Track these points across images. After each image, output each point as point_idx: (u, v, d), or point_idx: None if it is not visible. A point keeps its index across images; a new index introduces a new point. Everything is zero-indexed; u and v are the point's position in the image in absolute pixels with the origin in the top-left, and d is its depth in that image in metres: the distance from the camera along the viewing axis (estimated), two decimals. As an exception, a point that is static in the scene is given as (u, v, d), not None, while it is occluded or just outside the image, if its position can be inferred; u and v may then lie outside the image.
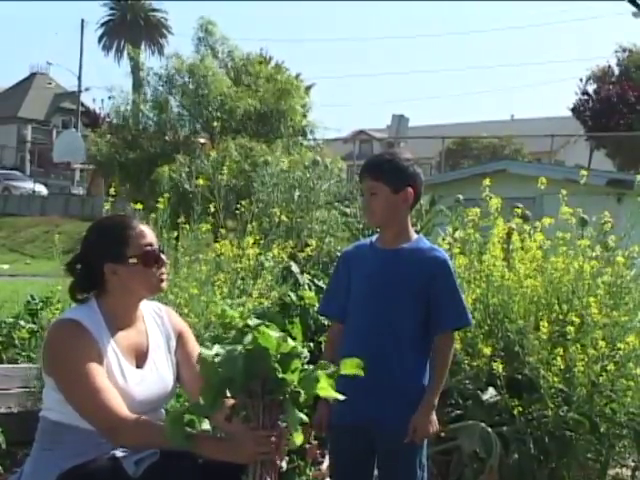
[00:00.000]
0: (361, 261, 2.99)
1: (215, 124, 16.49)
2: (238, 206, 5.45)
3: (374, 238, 3.05)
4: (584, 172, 4.90)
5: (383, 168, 2.94)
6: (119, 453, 2.56)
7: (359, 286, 2.95)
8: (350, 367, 2.42)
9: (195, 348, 2.74)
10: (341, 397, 2.41)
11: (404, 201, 2.92)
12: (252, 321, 2.40)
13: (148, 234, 2.73)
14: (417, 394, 2.88)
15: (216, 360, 2.35)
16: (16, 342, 5.71)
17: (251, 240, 4.73)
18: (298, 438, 2.41)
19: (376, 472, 3.03)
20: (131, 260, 2.66)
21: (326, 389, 2.38)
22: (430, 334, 2.93)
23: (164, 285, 2.76)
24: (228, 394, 2.40)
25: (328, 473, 4.19)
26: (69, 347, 2.57)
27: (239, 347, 2.34)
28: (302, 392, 2.34)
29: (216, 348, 2.37)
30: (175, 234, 4.72)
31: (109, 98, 19.93)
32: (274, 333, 2.36)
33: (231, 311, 2.48)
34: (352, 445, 2.93)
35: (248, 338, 2.34)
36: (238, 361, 2.32)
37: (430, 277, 2.89)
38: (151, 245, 2.70)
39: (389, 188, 2.90)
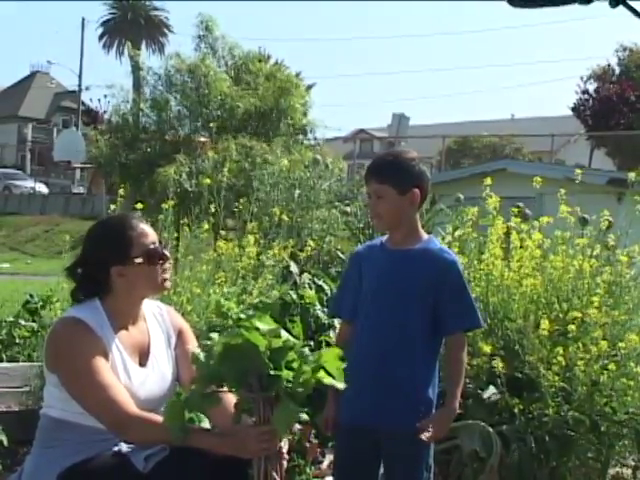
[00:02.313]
0: (371, 261, 2.97)
1: (214, 124, 16.47)
2: (238, 205, 5.46)
3: (384, 238, 3.02)
4: (578, 170, 4.91)
5: (388, 170, 2.89)
6: (124, 449, 2.57)
7: (368, 286, 2.93)
8: (330, 357, 2.40)
9: (194, 346, 2.75)
10: (341, 386, 2.40)
11: (411, 203, 2.87)
12: (245, 314, 2.40)
13: (150, 233, 2.75)
14: (424, 396, 2.85)
15: (203, 358, 2.36)
16: (17, 341, 5.72)
17: (252, 239, 4.73)
18: (284, 437, 2.42)
19: (382, 471, 3.01)
20: (137, 260, 2.67)
21: (326, 377, 2.37)
22: (439, 336, 2.90)
23: (168, 284, 2.78)
24: (226, 388, 2.42)
25: (329, 472, 4.19)
26: (75, 344, 2.58)
27: (223, 341, 2.34)
28: (297, 387, 2.34)
29: (214, 336, 2.38)
30: (176, 234, 4.73)
31: (105, 97, 19.96)
32: (265, 327, 2.35)
33: (227, 302, 2.48)
34: (355, 445, 2.91)
35: (236, 333, 2.33)
36: (219, 357, 2.32)
37: (437, 278, 2.85)
38: (154, 243, 2.72)
39: (395, 190, 2.85)
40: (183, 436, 2.41)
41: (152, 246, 2.71)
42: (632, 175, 4.62)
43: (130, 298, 2.72)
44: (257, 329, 2.33)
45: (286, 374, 2.33)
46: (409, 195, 2.86)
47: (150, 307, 2.84)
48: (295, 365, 2.35)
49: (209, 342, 2.38)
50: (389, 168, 2.90)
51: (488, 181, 4.46)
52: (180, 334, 2.84)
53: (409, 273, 2.88)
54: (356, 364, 2.83)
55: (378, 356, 2.85)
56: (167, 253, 2.76)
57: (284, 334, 2.37)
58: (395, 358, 2.84)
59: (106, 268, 2.68)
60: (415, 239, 2.92)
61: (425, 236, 2.96)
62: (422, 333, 2.85)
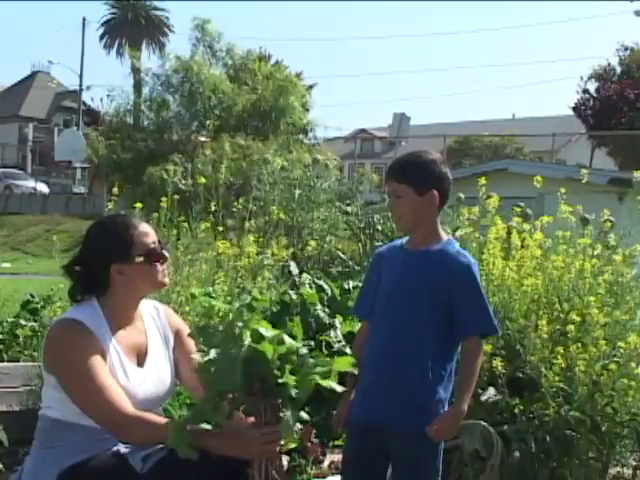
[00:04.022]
0: (391, 262, 2.95)
1: (213, 123, 16.47)
2: (236, 204, 5.47)
3: (406, 239, 3.00)
4: (585, 171, 4.89)
5: (408, 170, 2.87)
6: (123, 449, 2.57)
7: (385, 286, 2.92)
8: (342, 364, 2.41)
9: (193, 346, 2.75)
10: (339, 388, 2.39)
11: (430, 204, 2.85)
12: (238, 317, 2.39)
13: (150, 232, 2.78)
14: (433, 397, 2.82)
15: (213, 369, 2.34)
16: (19, 341, 5.71)
17: (252, 238, 4.73)
18: (291, 442, 2.41)
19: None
20: (137, 259, 2.69)
21: (324, 380, 2.37)
22: (455, 338, 2.87)
23: (166, 280, 2.80)
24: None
25: (329, 471, 4.20)
26: (72, 345, 2.59)
27: (237, 353, 2.32)
28: (300, 392, 2.34)
29: (213, 353, 2.36)
30: (174, 233, 4.73)
31: (107, 96, 19.99)
32: (269, 333, 2.34)
33: (217, 303, 2.48)
34: (364, 443, 2.90)
35: (244, 343, 2.32)
36: (237, 372, 2.31)
37: (451, 280, 2.82)
38: (154, 242, 2.74)
39: (414, 191, 2.83)
40: (192, 452, 2.39)
41: (153, 245, 2.73)
42: (638, 174, 4.58)
43: (128, 297, 2.72)
44: (262, 336, 2.32)
45: (290, 381, 2.33)
46: (428, 196, 2.83)
47: (147, 307, 2.85)
48: (297, 369, 2.34)
49: (213, 351, 2.37)
50: (409, 168, 2.88)
51: (483, 181, 4.45)
52: (178, 333, 2.85)
53: (423, 274, 2.86)
54: (369, 363, 2.86)
55: (390, 355, 2.84)
56: (166, 253, 2.77)
57: (287, 340, 2.36)
58: (405, 358, 2.83)
59: (106, 266, 2.69)
60: (434, 240, 2.89)
61: (445, 238, 2.92)
62: (433, 334, 2.83)
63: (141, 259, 2.69)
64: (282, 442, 2.44)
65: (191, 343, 2.80)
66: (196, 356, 2.48)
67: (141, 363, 2.72)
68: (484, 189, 4.46)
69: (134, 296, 2.75)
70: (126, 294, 2.71)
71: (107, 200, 4.88)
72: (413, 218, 2.87)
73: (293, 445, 2.45)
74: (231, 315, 2.41)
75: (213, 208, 5.05)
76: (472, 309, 2.84)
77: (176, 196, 4.83)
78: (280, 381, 2.32)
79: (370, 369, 2.85)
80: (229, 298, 4.33)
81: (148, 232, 2.76)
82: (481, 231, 4.55)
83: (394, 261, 2.94)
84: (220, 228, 4.99)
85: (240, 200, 5.47)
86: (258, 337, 2.34)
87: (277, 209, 5.69)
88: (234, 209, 5.45)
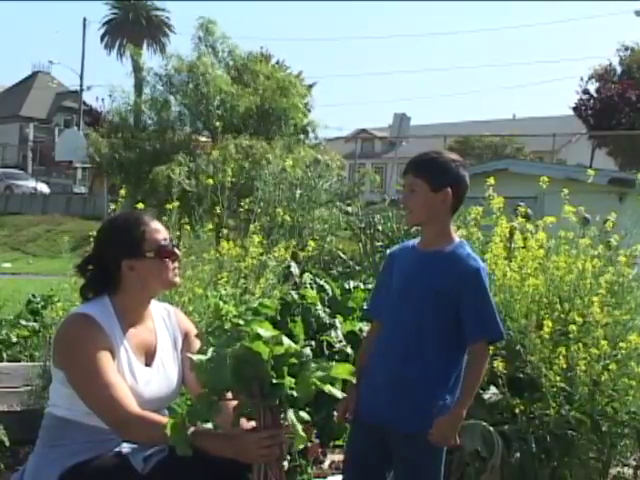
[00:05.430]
0: (402, 262, 2.96)
1: (217, 124, 16.46)
2: (239, 205, 5.46)
3: (417, 240, 3.01)
4: (591, 172, 4.87)
5: (425, 165, 2.89)
6: (125, 449, 2.57)
7: (396, 286, 2.93)
8: (341, 372, 2.41)
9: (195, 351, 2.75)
10: (340, 395, 2.39)
11: (443, 201, 2.86)
12: (243, 318, 2.39)
13: (161, 229, 2.80)
14: (436, 399, 2.81)
15: (208, 367, 2.34)
16: (17, 340, 5.71)
17: (257, 239, 4.73)
18: (299, 442, 2.41)
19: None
20: (148, 255, 2.70)
21: (326, 385, 2.38)
22: (461, 343, 2.86)
23: (177, 279, 2.81)
24: (229, 395, 2.41)
25: (330, 472, 4.20)
26: (82, 340, 2.59)
27: (229, 351, 2.32)
28: (299, 395, 2.34)
29: (210, 352, 2.36)
30: (177, 234, 4.72)
31: (109, 96, 19.99)
32: (267, 333, 2.34)
33: (225, 305, 2.48)
34: (365, 443, 2.91)
35: (239, 343, 2.32)
36: (227, 369, 2.31)
37: (459, 283, 2.81)
38: (165, 239, 2.76)
39: (428, 186, 2.85)
40: (191, 450, 2.39)
41: (164, 242, 2.75)
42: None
43: (140, 294, 2.74)
44: (259, 336, 2.33)
45: (288, 382, 2.33)
46: (441, 193, 2.85)
47: (158, 309, 2.86)
48: (297, 371, 2.34)
49: (210, 350, 2.37)
50: (427, 163, 2.90)
51: (491, 181, 4.45)
52: (187, 336, 2.85)
53: (431, 275, 2.86)
54: (375, 362, 2.87)
55: (395, 355, 2.85)
56: (177, 251, 2.79)
57: (286, 341, 2.36)
58: (409, 358, 2.83)
59: (118, 262, 2.70)
60: (445, 241, 2.89)
61: (457, 240, 2.93)
62: (439, 336, 2.82)
63: (152, 255, 2.71)
64: (283, 446, 2.44)
65: (197, 346, 2.81)
66: (190, 355, 2.49)
67: (149, 363, 2.73)
68: (491, 189, 4.45)
69: (145, 293, 2.76)
70: (137, 291, 2.72)
71: (108, 200, 4.89)
72: (423, 213, 2.87)
73: (302, 446, 2.44)
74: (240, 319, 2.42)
75: (218, 210, 5.05)
76: (478, 313, 2.83)
77: (179, 196, 4.83)
78: (275, 381, 2.31)
79: (376, 367, 2.86)
80: (222, 291, 4.33)
81: (159, 229, 2.78)
82: (482, 231, 4.55)
83: (405, 261, 2.95)
84: (225, 231, 4.99)
85: (247, 201, 5.45)
86: (255, 337, 2.34)
87: (283, 211, 5.68)
88: (239, 209, 5.44)
